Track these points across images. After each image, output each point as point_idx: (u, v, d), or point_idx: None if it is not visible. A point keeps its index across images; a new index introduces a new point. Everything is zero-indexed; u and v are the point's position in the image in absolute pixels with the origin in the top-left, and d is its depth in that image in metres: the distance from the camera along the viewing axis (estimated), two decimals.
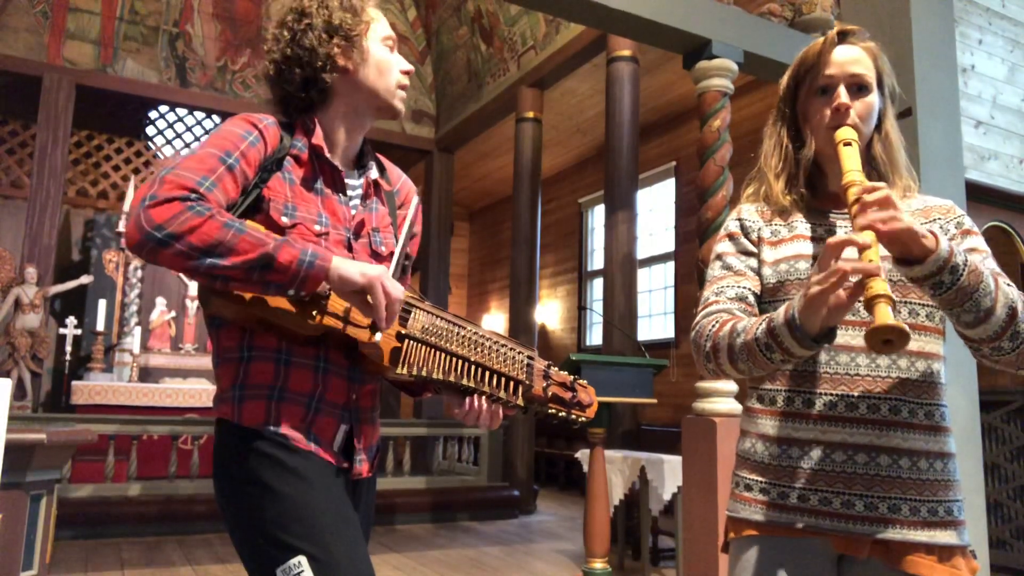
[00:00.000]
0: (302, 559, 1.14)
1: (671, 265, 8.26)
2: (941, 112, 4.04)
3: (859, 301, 1.03)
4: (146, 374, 7.71)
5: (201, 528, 5.33)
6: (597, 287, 9.60)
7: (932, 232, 1.07)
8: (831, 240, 1.05)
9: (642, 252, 8.22)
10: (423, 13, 8.95)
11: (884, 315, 0.97)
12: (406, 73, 1.38)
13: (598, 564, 3.46)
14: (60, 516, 3.79)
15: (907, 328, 0.96)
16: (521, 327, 7.18)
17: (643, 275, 8.37)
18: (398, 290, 1.18)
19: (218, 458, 1.27)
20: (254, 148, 1.25)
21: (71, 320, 7.52)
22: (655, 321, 8.57)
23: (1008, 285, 1.14)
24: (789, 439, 1.22)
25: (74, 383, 7.11)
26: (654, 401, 3.62)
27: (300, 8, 1.30)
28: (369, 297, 1.16)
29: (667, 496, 4.23)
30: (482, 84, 8.22)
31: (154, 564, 4.51)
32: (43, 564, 2.50)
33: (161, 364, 7.87)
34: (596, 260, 9.68)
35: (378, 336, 1.19)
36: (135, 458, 5.50)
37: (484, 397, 1.26)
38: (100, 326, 7.60)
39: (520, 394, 1.28)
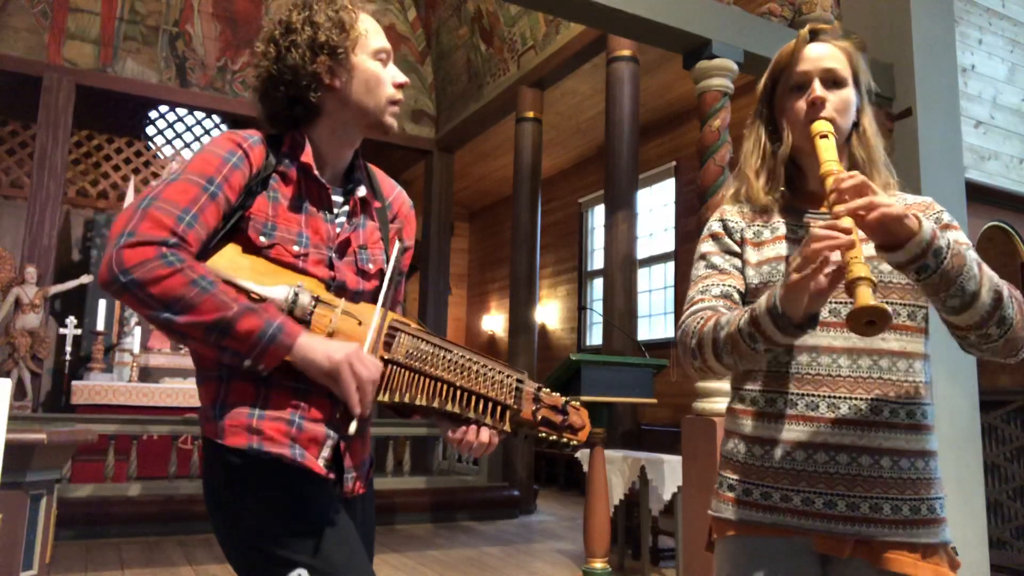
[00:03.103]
0: (303, 572, 1.13)
1: (671, 265, 8.26)
2: (941, 112, 4.04)
3: (840, 288, 1.03)
4: (146, 374, 7.71)
5: (201, 528, 5.33)
6: (597, 287, 9.60)
7: (914, 214, 1.06)
8: (815, 230, 1.04)
9: (642, 252, 8.21)
10: (423, 13, 8.95)
11: (865, 296, 0.96)
12: (399, 87, 1.33)
13: (598, 564, 3.46)
14: (60, 516, 3.78)
15: (888, 308, 0.96)
16: (521, 327, 7.17)
17: (643, 275, 8.37)
18: (371, 369, 1.15)
19: (207, 478, 1.25)
20: (238, 170, 1.22)
21: (71, 320, 7.52)
22: (655, 321, 8.57)
23: (991, 271, 1.14)
24: (772, 440, 1.23)
25: (74, 383, 7.11)
26: (654, 401, 3.62)
27: (287, 22, 1.26)
28: (338, 383, 1.13)
29: (667, 496, 4.23)
30: (482, 84, 8.22)
31: (154, 564, 4.50)
32: (43, 564, 2.49)
33: (161, 364, 7.87)
34: (596, 260, 9.68)
35: (353, 426, 1.17)
36: (135, 458, 5.50)
37: (473, 425, 1.24)
38: (100, 326, 7.60)
39: (507, 419, 1.25)
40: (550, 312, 10.39)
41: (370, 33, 1.31)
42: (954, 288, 1.08)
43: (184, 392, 7.29)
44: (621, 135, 6.13)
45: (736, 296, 1.29)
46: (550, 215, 10.10)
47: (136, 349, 7.63)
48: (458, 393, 1.23)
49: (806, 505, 1.18)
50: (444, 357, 1.25)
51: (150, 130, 9.32)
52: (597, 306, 8.97)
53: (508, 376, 1.28)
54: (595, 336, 9.51)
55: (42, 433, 2.37)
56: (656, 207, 8.68)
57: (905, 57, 4.01)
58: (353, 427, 1.17)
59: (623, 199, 6.06)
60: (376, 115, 1.31)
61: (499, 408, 1.25)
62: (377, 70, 1.31)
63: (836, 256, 1.02)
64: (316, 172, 1.28)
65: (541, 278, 9.81)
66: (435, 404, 1.22)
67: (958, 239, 1.23)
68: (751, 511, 1.23)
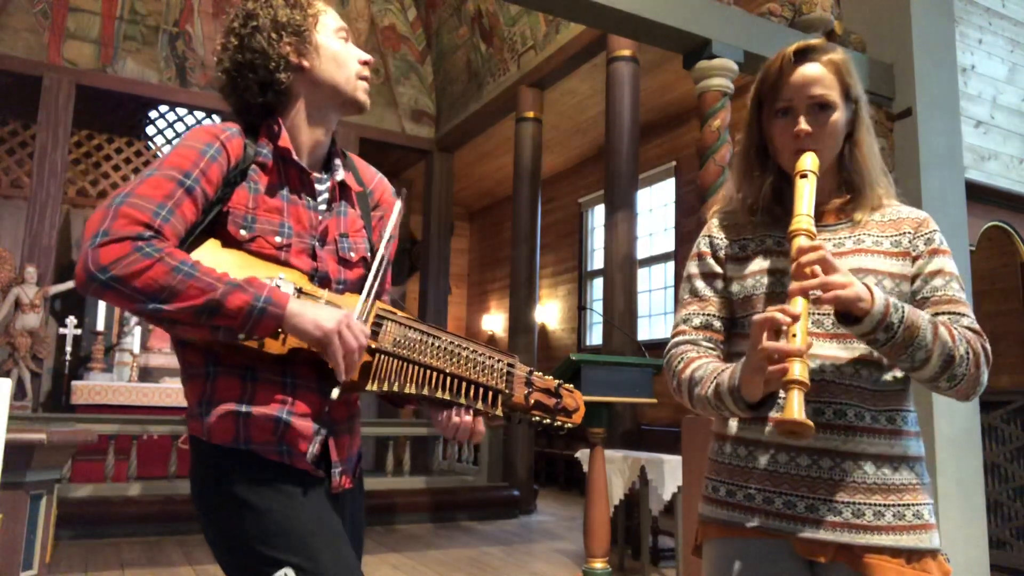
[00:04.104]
0: (288, 571, 1.13)
1: (671, 265, 8.26)
2: (941, 112, 4.04)
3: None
4: (146, 374, 7.71)
5: (201, 528, 5.33)
6: (597, 287, 9.60)
7: (870, 291, 1.12)
8: (756, 318, 1.10)
9: (642, 252, 8.21)
10: (423, 13, 8.95)
11: (790, 409, 1.03)
12: (365, 64, 1.34)
13: (598, 564, 3.46)
14: (60, 516, 3.78)
15: (810, 424, 1.03)
16: (521, 327, 7.17)
17: (643, 275, 8.37)
18: (359, 337, 1.15)
19: (193, 477, 1.25)
20: (215, 163, 1.20)
21: (71, 320, 7.51)
22: (655, 321, 8.57)
23: (958, 318, 1.19)
24: (755, 442, 1.25)
25: (74, 383, 7.11)
26: (654, 401, 3.62)
27: (245, 12, 1.27)
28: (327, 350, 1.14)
29: (667, 496, 4.23)
30: (482, 84, 8.22)
31: (154, 564, 4.50)
32: (43, 564, 2.50)
33: (161, 364, 7.87)
34: (596, 260, 9.68)
35: (335, 392, 1.17)
36: (135, 458, 5.50)
37: (462, 409, 1.23)
38: (100, 326, 7.60)
39: (499, 404, 1.25)
40: (550, 312, 10.39)
41: (328, 13, 1.33)
42: (904, 356, 1.15)
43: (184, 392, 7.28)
44: (621, 135, 6.13)
45: (716, 324, 1.33)
46: (550, 215, 10.10)
47: (136, 349, 7.63)
48: (448, 380, 1.23)
49: (787, 508, 1.19)
50: (433, 344, 1.24)
51: (150, 130, 9.31)
52: (597, 306, 8.97)
53: (499, 361, 1.28)
54: (595, 336, 9.51)
55: (42, 433, 2.37)
56: (656, 207, 8.68)
57: (905, 57, 4.01)
58: (335, 393, 1.17)
59: (623, 199, 6.06)
60: (349, 91, 1.32)
61: (490, 393, 1.25)
62: (342, 47, 1.32)
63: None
64: (295, 156, 1.28)
65: (541, 278, 9.81)
66: (425, 392, 1.21)
67: (943, 268, 1.24)
68: (735, 512, 1.24)
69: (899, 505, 1.17)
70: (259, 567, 1.14)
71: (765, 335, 1.08)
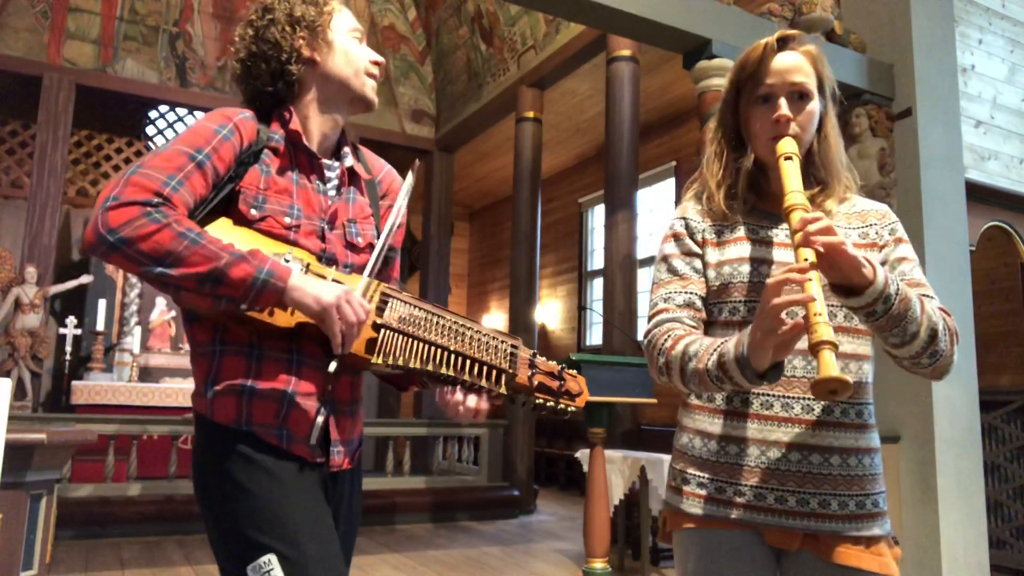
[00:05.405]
0: (272, 557, 1.15)
1: None
2: (941, 112, 4.04)
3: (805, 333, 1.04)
4: (146, 374, 7.71)
5: (201, 528, 5.30)
6: (597, 287, 9.60)
7: (870, 262, 1.11)
8: (770, 281, 1.07)
9: (642, 252, 8.21)
10: (423, 13, 8.95)
11: (828, 367, 1.00)
12: (376, 64, 1.38)
13: (598, 564, 3.46)
14: (60, 516, 3.78)
15: (850, 380, 1.00)
16: (521, 327, 7.17)
17: (643, 275, 8.36)
18: (359, 312, 1.16)
19: (195, 454, 1.27)
20: (228, 142, 1.24)
21: (71, 320, 7.51)
22: None
23: (930, 299, 1.20)
24: (727, 436, 1.26)
25: (74, 383, 7.11)
26: (654, 401, 3.62)
27: (262, 5, 1.32)
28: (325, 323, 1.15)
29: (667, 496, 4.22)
30: (482, 84, 8.22)
31: (154, 564, 4.51)
32: (43, 564, 2.49)
33: (161, 364, 7.87)
34: (596, 260, 9.69)
35: (333, 366, 1.18)
36: (135, 458, 5.50)
37: (466, 386, 1.25)
38: (100, 326, 7.60)
39: (503, 383, 1.26)
40: (550, 312, 10.39)
41: (343, 12, 1.38)
42: (897, 329, 1.14)
43: (184, 392, 7.29)
44: (621, 135, 6.13)
45: (698, 303, 1.31)
46: (550, 215, 10.10)
47: (136, 349, 7.63)
48: (453, 357, 1.24)
49: (758, 500, 1.22)
50: (438, 323, 1.26)
51: (150, 130, 9.31)
52: (597, 306, 8.97)
53: (503, 342, 1.29)
54: (595, 336, 9.51)
55: (42, 433, 2.37)
56: (656, 207, 8.68)
57: (905, 57, 4.01)
58: (333, 366, 1.19)
59: (623, 199, 6.06)
60: (358, 88, 1.36)
61: (494, 372, 1.26)
62: (354, 46, 1.36)
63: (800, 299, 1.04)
64: (305, 140, 1.32)
65: (541, 278, 9.81)
66: (430, 368, 1.22)
67: (906, 256, 1.28)
68: (705, 505, 1.26)
69: (860, 495, 1.22)
70: (245, 551, 1.16)
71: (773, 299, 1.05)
